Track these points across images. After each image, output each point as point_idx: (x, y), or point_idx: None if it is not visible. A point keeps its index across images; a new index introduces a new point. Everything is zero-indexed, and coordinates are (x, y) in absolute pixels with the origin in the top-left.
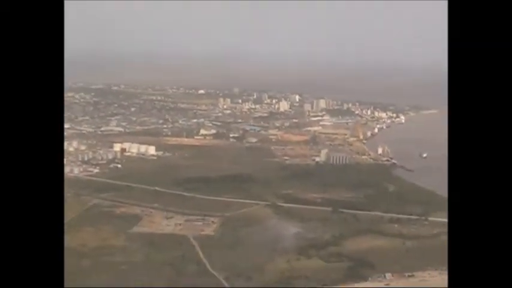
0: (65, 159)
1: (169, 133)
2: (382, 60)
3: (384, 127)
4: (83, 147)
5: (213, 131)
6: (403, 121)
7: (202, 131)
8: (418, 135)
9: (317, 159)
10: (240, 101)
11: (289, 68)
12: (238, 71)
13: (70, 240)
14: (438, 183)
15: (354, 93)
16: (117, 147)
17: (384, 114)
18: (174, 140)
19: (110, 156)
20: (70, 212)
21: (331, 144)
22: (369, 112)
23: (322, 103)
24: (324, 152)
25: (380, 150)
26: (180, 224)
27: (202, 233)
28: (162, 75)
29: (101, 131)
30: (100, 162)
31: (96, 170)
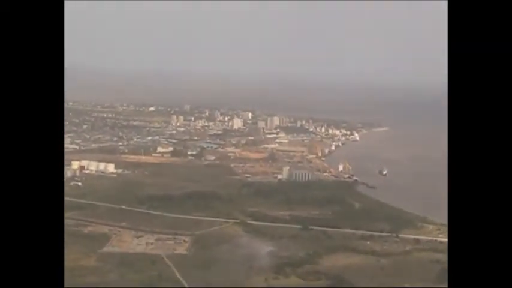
0: None
1: (126, 150)
2: (332, 79)
3: (340, 144)
4: None
5: (171, 149)
6: (357, 138)
7: (160, 149)
8: (373, 152)
9: (279, 176)
10: (192, 118)
11: (237, 85)
12: (186, 89)
13: None
14: (402, 200)
15: (305, 111)
16: (75, 164)
17: (337, 132)
18: (131, 158)
19: (69, 174)
20: None
21: (290, 162)
22: (322, 129)
23: (276, 120)
24: (285, 169)
25: (341, 167)
26: (151, 243)
27: (175, 252)
28: (107, 92)
29: None
30: None
31: None
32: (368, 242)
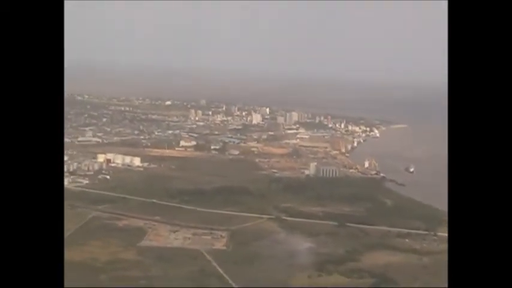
0: None
1: (149, 144)
2: (340, 76)
3: (361, 141)
4: (65, 158)
5: (193, 143)
6: (377, 135)
7: (182, 143)
8: (395, 149)
9: (306, 172)
10: (210, 112)
11: (250, 81)
12: (199, 84)
13: (79, 253)
14: (432, 197)
15: (320, 107)
16: (101, 157)
17: (357, 128)
18: (155, 152)
19: (96, 167)
20: (70, 224)
21: (314, 157)
22: (342, 126)
23: (295, 116)
24: (313, 165)
25: (367, 164)
26: (189, 238)
27: (214, 247)
28: (121, 86)
29: (78, 141)
30: (88, 173)
31: (85, 181)
32: (407, 240)
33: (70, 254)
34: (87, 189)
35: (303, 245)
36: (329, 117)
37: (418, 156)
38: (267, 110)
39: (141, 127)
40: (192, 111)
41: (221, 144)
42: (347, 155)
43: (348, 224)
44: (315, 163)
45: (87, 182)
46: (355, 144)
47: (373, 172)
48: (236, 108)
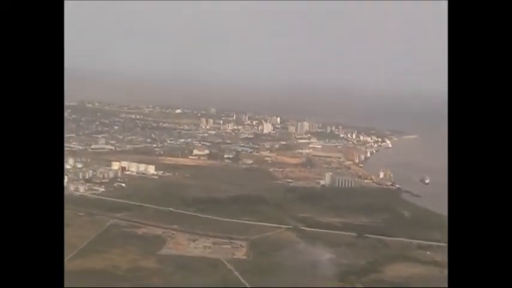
0: (65, 177)
1: (162, 152)
2: (344, 86)
3: (374, 151)
4: (79, 165)
5: (207, 151)
6: (390, 145)
7: (196, 151)
8: (408, 160)
9: (321, 182)
10: (221, 121)
11: (258, 91)
12: (205, 92)
13: (100, 261)
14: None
15: (329, 117)
16: (116, 165)
17: (368, 138)
18: (169, 160)
19: (111, 175)
20: (89, 232)
21: (328, 167)
22: (353, 136)
23: (306, 126)
24: (328, 175)
25: (382, 175)
26: (209, 247)
27: (234, 256)
28: (130, 93)
29: (91, 148)
30: (103, 180)
31: (101, 189)
32: (428, 252)
33: (91, 262)
34: (103, 197)
35: (323, 255)
36: (340, 127)
37: (432, 167)
38: (278, 119)
39: (152, 135)
40: (203, 119)
41: (234, 153)
42: (361, 165)
43: (367, 235)
44: (330, 173)
45: (103, 189)
46: (368, 154)
47: (389, 183)
48: (247, 117)
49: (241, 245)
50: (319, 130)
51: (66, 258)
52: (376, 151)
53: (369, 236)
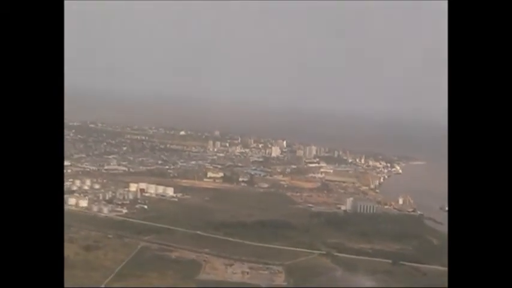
0: (86, 198)
1: (176, 174)
2: (356, 110)
3: (386, 177)
4: (96, 186)
5: (221, 174)
6: (400, 171)
7: (210, 174)
8: (420, 186)
9: (342, 207)
10: (227, 144)
11: (261, 113)
12: (209, 114)
13: (140, 285)
14: None
15: (336, 141)
16: (133, 187)
17: (377, 164)
18: (185, 182)
19: (131, 196)
20: (121, 255)
21: (345, 193)
22: (362, 161)
23: (313, 150)
24: (349, 200)
25: (401, 201)
26: (247, 273)
27: (274, 282)
28: (131, 114)
29: (105, 169)
30: (124, 202)
31: (124, 211)
32: None
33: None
34: (128, 219)
35: (364, 283)
36: (347, 151)
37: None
38: (284, 143)
39: (162, 157)
40: (210, 142)
41: (248, 176)
42: (377, 191)
43: (402, 263)
44: (351, 198)
45: (126, 211)
46: (382, 180)
47: (410, 209)
48: (252, 141)
49: (278, 271)
50: (326, 154)
51: (105, 281)
52: (388, 176)
53: (404, 263)
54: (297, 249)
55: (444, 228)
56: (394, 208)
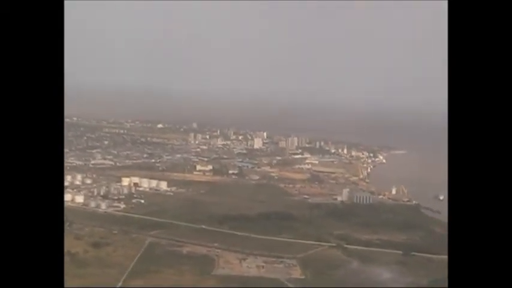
0: (81, 193)
1: (164, 168)
2: (330, 99)
3: (372, 166)
4: (88, 181)
5: (210, 167)
6: (384, 161)
7: (199, 167)
8: (409, 175)
9: (339, 198)
10: (207, 136)
11: (237, 104)
12: (182, 106)
13: (162, 281)
14: None
15: (314, 131)
16: (126, 181)
17: (360, 154)
18: (175, 175)
19: (125, 191)
20: (131, 251)
21: (336, 183)
22: (345, 151)
23: (295, 141)
24: (345, 191)
25: (394, 191)
26: (262, 267)
27: (292, 276)
28: (104, 107)
29: (92, 164)
30: (120, 197)
31: (122, 205)
32: None
33: (154, 283)
34: (129, 214)
35: (382, 274)
36: (329, 142)
37: (435, 183)
38: (264, 134)
39: (146, 150)
40: (191, 134)
41: (237, 168)
42: (367, 181)
43: (414, 253)
44: (347, 189)
45: (124, 206)
46: (369, 170)
47: (405, 199)
48: (232, 133)
49: (292, 264)
50: (307, 145)
51: (122, 278)
52: (373, 166)
53: (415, 254)
54: (306, 241)
55: (443, 217)
56: (389, 198)
